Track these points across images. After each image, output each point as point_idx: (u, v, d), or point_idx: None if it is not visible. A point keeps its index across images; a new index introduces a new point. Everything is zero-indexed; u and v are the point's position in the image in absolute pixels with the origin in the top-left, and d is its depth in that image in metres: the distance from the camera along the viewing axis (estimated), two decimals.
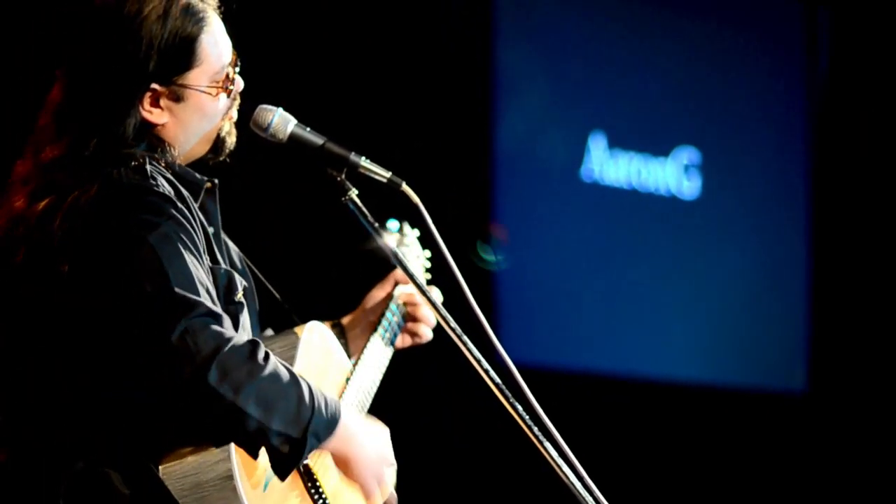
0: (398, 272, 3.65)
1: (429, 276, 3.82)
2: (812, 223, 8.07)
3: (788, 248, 8.06)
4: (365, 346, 3.55)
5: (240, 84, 3.15)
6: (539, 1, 7.48)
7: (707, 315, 7.79)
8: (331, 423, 2.87)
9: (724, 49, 7.96)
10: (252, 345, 2.78)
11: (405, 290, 3.68)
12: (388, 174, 3.17)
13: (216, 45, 3.06)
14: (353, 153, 3.16)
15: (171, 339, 2.71)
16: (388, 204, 3.30)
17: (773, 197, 8.05)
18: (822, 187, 8.09)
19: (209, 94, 3.05)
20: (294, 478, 3.00)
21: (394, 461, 3.09)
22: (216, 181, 3.13)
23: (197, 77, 3.03)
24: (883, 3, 8.03)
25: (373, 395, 3.48)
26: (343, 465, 2.99)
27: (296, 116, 3.18)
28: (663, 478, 7.55)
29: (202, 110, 3.06)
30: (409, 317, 3.68)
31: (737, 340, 7.87)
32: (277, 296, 3.48)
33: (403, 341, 3.70)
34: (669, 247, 7.73)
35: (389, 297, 3.66)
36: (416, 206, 3.15)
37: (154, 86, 2.99)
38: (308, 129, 3.18)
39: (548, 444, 2.97)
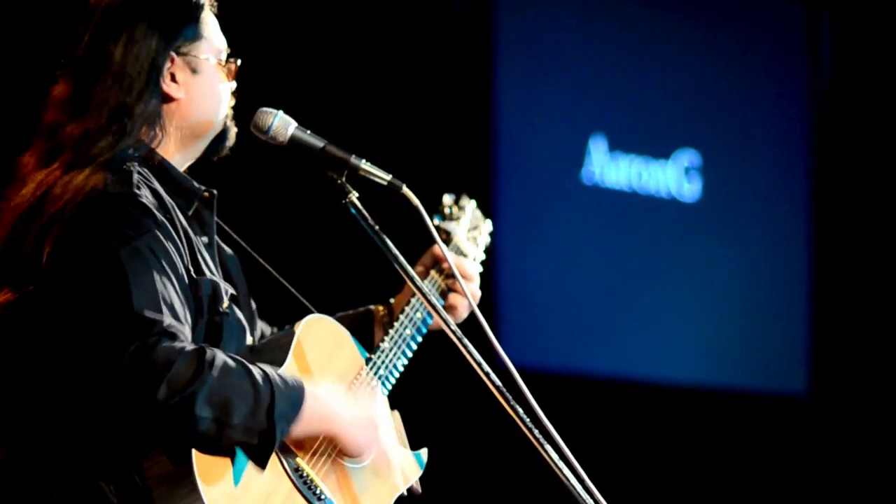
0: (435, 248, 3.58)
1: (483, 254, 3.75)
2: (813, 226, 8.06)
3: (789, 251, 8.06)
4: (393, 323, 3.50)
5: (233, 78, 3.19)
6: (540, 3, 7.49)
7: (708, 317, 7.79)
8: (294, 400, 2.90)
9: (725, 52, 7.95)
10: (197, 352, 2.80)
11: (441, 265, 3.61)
12: (389, 177, 3.17)
13: (215, 26, 3.15)
14: (353, 156, 3.16)
15: (123, 358, 2.75)
16: (390, 206, 3.30)
17: (774, 199, 8.04)
18: (822, 190, 8.09)
19: (217, 65, 3.11)
20: (277, 472, 2.98)
21: (377, 423, 3.11)
22: (215, 192, 3.13)
23: (206, 50, 3.10)
24: (884, 6, 8.03)
25: (399, 370, 3.43)
26: (330, 442, 3.04)
27: (296, 119, 3.18)
28: (664, 480, 7.55)
29: (214, 89, 3.11)
30: (445, 292, 3.59)
31: (738, 343, 7.86)
32: (293, 290, 3.47)
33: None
34: (670, 249, 7.73)
35: (425, 273, 3.59)
36: (416, 209, 3.15)
37: (173, 54, 3.05)
38: (308, 131, 3.18)
39: (549, 447, 2.97)
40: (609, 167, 7.61)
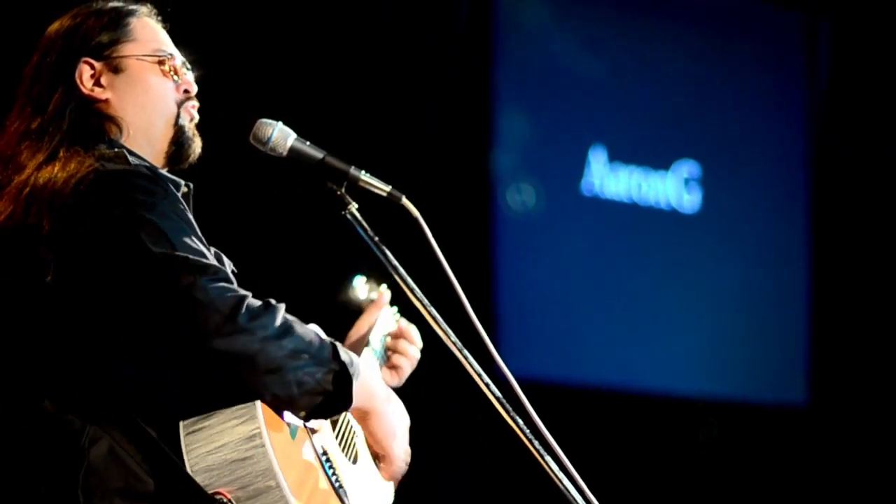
0: (377, 305, 3.72)
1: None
2: (812, 236, 8.07)
3: (788, 261, 8.07)
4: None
5: (191, 84, 3.21)
6: (539, 15, 7.50)
7: (707, 328, 7.79)
8: (352, 365, 2.86)
9: (724, 62, 7.97)
10: (269, 300, 2.81)
11: (388, 322, 3.72)
12: (388, 188, 3.18)
13: (151, 31, 3.20)
14: (352, 167, 3.16)
15: (193, 294, 2.71)
16: (389, 218, 3.30)
17: (774, 210, 8.05)
18: (821, 200, 8.10)
19: (147, 61, 3.15)
20: (311, 449, 2.96)
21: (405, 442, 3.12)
22: (191, 185, 3.15)
23: (132, 50, 3.16)
24: (883, 15, 8.04)
25: None
26: (363, 419, 3.02)
27: (295, 130, 3.18)
28: (665, 491, 7.55)
29: (144, 81, 3.15)
30: (390, 350, 3.69)
31: (737, 353, 7.87)
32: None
33: (387, 376, 3.70)
34: (670, 260, 7.74)
35: (371, 328, 3.68)
36: (415, 220, 3.15)
37: (88, 60, 3.11)
38: (308, 143, 3.18)
39: (549, 458, 2.97)
40: (609, 178, 7.62)
